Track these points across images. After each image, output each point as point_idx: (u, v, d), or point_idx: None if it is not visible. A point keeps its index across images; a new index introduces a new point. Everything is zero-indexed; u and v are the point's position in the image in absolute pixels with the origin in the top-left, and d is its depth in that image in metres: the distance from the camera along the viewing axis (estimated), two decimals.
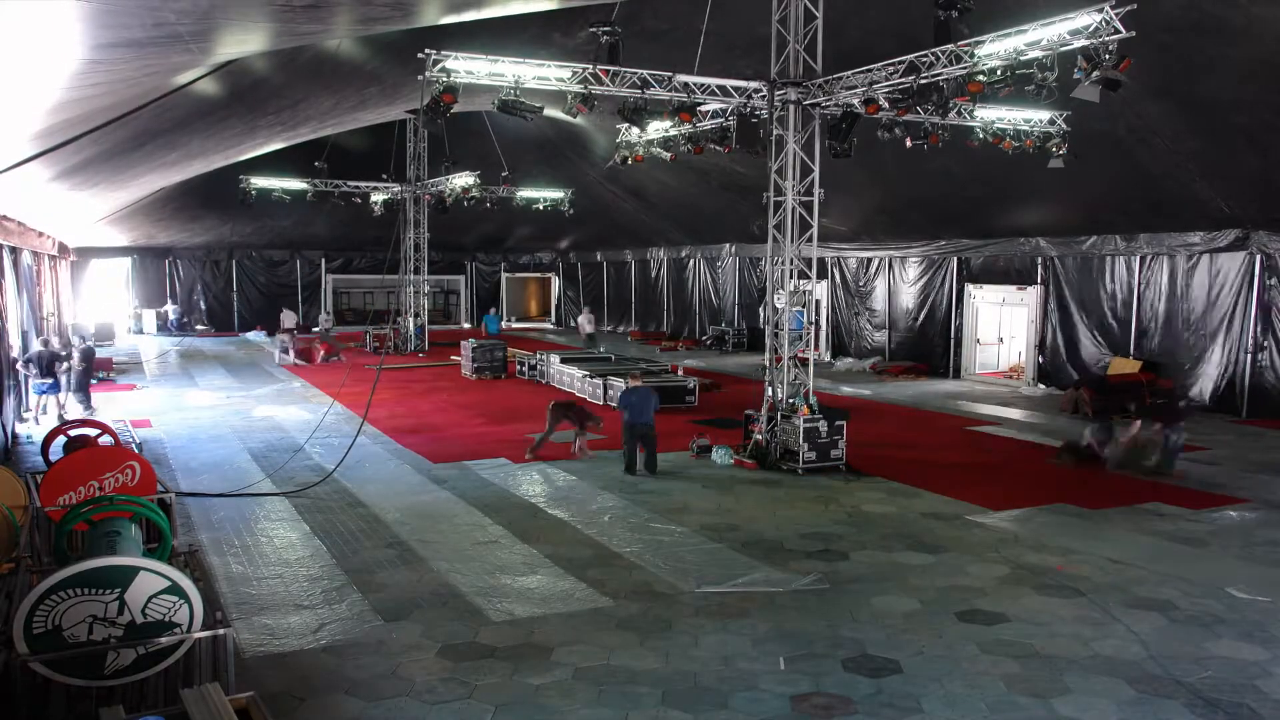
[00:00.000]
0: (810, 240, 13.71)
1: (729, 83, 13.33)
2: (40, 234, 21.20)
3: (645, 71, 12.80)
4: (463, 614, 7.72)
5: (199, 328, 35.87)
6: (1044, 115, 14.81)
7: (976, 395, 20.31)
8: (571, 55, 13.12)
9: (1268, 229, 16.49)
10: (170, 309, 35.78)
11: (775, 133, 13.41)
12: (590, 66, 12.44)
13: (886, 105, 12.91)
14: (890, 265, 25.02)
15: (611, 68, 12.60)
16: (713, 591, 8.21)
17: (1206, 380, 17.76)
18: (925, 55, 11.73)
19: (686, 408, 18.06)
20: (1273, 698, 6.31)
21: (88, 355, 18.17)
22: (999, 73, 11.15)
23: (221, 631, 5.39)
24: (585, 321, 29.69)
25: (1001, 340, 23.64)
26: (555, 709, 6.11)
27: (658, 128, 15.49)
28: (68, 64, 8.06)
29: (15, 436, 14.66)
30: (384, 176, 29.26)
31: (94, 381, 19.08)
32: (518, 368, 23.27)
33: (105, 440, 9.64)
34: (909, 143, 14.13)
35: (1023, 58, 10.89)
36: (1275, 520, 10.69)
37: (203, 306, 36.83)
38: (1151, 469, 12.71)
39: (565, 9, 14.57)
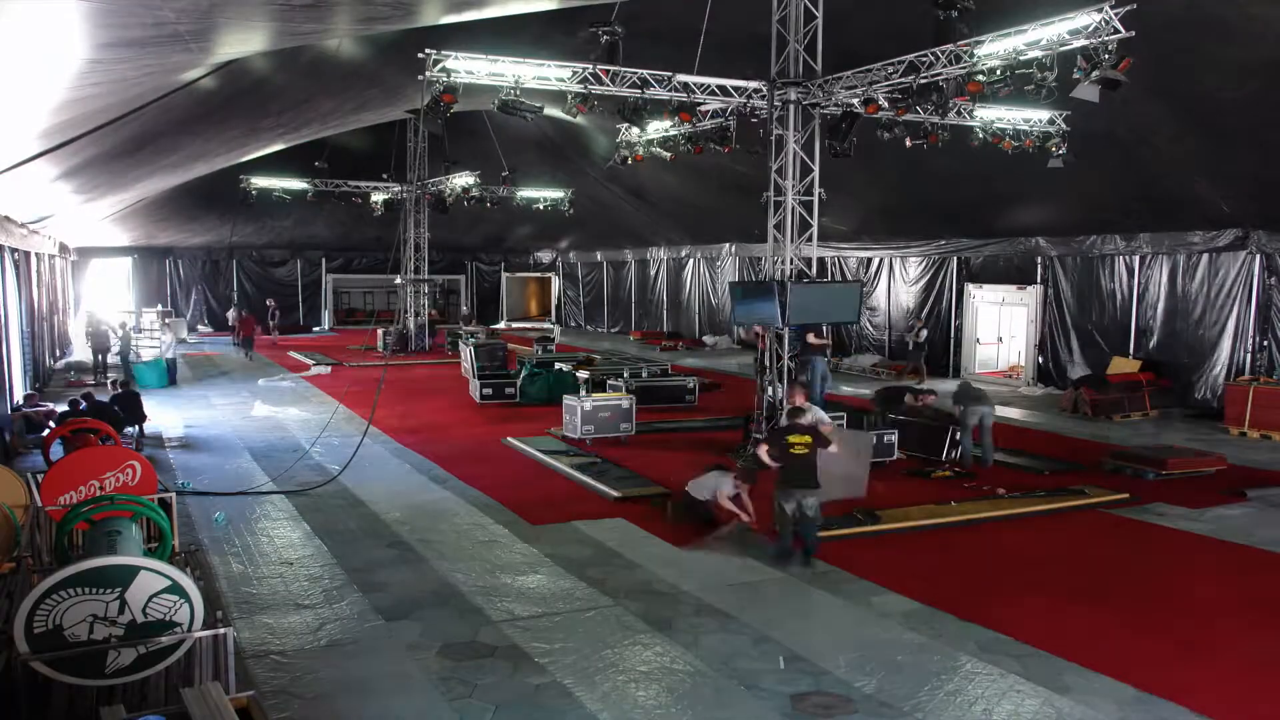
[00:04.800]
0: (810, 240, 13.72)
1: (729, 82, 13.33)
2: (40, 233, 21.20)
3: (645, 71, 12.80)
4: (463, 613, 7.72)
5: (200, 328, 35.85)
6: (1044, 115, 14.80)
7: None
8: (572, 55, 13.10)
9: (1267, 229, 16.49)
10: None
11: (775, 132, 13.41)
12: (590, 66, 12.44)
13: (886, 105, 12.92)
14: (890, 265, 25.03)
15: (611, 67, 12.60)
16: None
17: (1206, 381, 17.76)
18: (925, 55, 11.72)
19: (686, 407, 18.11)
20: None
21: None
22: (998, 72, 11.14)
23: (222, 631, 5.39)
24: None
25: (1001, 340, 23.65)
26: (555, 709, 6.11)
27: (658, 127, 15.50)
28: (69, 64, 8.07)
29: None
30: (384, 176, 29.27)
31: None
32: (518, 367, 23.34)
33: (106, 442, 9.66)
34: (909, 142, 14.13)
35: (1022, 58, 10.89)
36: (1273, 519, 10.71)
37: (203, 307, 36.80)
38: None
39: (566, 9, 14.57)
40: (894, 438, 13.33)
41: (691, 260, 33.38)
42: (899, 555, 9.38)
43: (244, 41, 9.96)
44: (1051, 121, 14.92)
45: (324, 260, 38.82)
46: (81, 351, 24.68)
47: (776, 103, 13.31)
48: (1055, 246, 20.53)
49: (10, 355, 15.46)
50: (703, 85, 13.25)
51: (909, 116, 13.42)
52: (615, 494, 11.39)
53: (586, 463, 12.98)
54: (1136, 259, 19.03)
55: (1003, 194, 19.64)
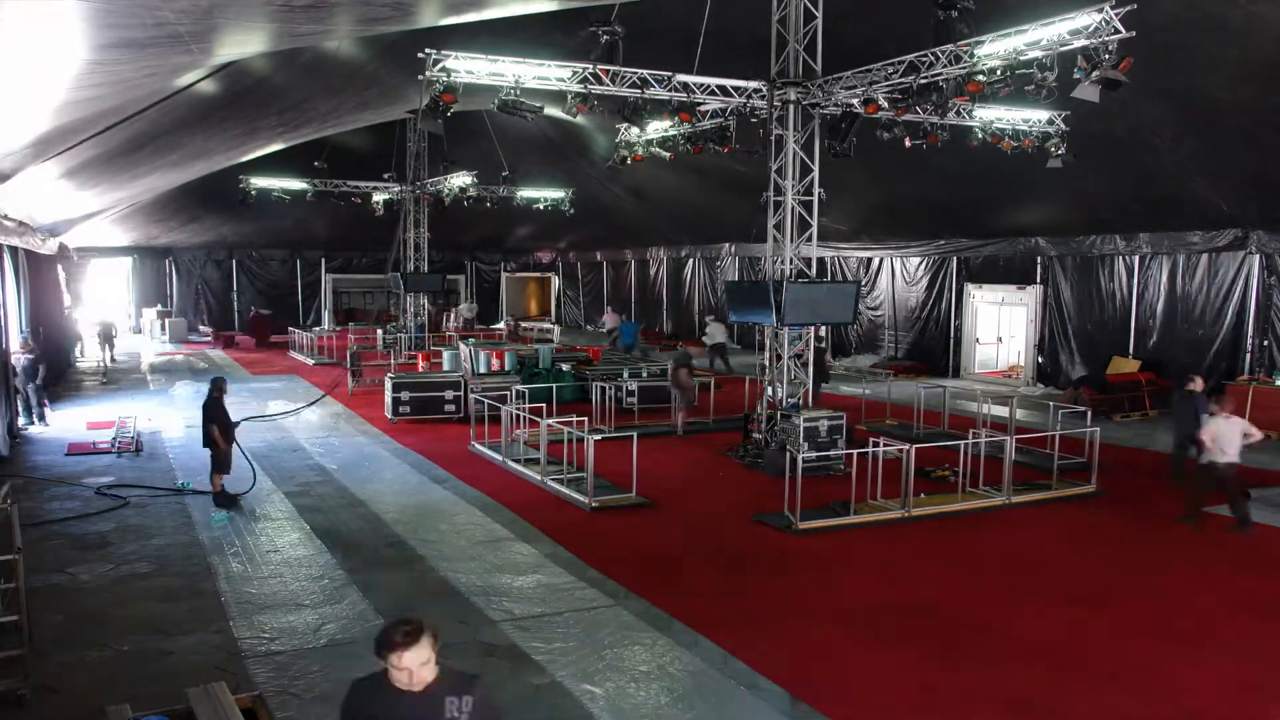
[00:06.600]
0: (810, 240, 13.73)
1: (729, 82, 13.33)
2: (40, 233, 21.18)
3: (645, 71, 12.79)
4: (463, 614, 7.72)
5: (201, 329, 35.77)
6: (1043, 115, 14.78)
7: (976, 395, 20.28)
8: (572, 55, 13.08)
9: (1267, 229, 16.50)
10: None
11: (775, 132, 13.42)
12: (590, 66, 12.43)
13: (886, 105, 12.90)
14: (890, 265, 25.04)
15: (611, 67, 12.58)
16: None
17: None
18: (925, 55, 11.72)
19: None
20: None
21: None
22: (998, 73, 11.12)
23: None
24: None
25: (1000, 340, 23.66)
26: (555, 709, 6.11)
27: (657, 127, 15.48)
28: (71, 65, 8.08)
29: (16, 434, 14.66)
30: (384, 176, 29.24)
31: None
32: None
33: None
34: (909, 143, 14.11)
35: (1022, 58, 10.87)
36: (1273, 518, 10.70)
37: (203, 307, 36.74)
38: None
39: (566, 9, 14.57)
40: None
41: (691, 260, 33.38)
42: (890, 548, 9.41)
43: (244, 43, 9.97)
44: (1051, 121, 14.91)
45: (324, 260, 38.82)
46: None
47: (776, 103, 13.31)
48: (1055, 246, 20.54)
49: (7, 354, 15.43)
50: (702, 85, 13.24)
51: (909, 116, 13.40)
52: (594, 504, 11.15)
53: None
54: (1136, 259, 19.04)
55: (1002, 194, 19.65)
